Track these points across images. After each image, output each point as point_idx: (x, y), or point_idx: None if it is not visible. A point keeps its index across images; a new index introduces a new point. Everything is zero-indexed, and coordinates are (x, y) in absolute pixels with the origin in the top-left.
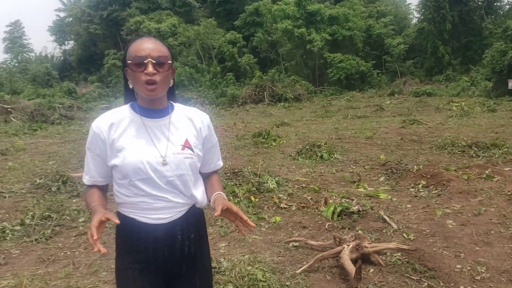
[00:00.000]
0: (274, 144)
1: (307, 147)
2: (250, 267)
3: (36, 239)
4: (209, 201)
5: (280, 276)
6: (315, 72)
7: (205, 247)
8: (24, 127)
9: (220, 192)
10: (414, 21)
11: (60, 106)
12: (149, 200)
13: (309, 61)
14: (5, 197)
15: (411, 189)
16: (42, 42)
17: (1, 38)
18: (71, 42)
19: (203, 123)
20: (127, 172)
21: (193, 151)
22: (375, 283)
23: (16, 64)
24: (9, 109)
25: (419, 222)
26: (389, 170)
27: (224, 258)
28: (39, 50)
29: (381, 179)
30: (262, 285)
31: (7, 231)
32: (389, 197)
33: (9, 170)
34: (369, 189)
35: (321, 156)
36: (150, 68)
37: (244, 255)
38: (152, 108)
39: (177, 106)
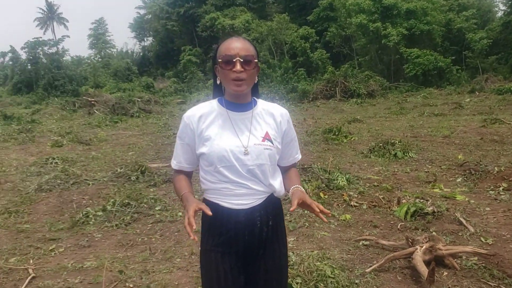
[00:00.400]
0: (345, 140)
1: (380, 144)
2: (318, 263)
3: (116, 225)
4: (288, 191)
5: (349, 273)
6: (390, 68)
7: (282, 234)
8: (106, 119)
9: (298, 186)
10: (500, 14)
11: (139, 100)
12: (231, 186)
13: (384, 56)
14: (89, 184)
15: (491, 192)
16: (123, 39)
17: (87, 34)
18: (150, 38)
19: (283, 118)
20: (213, 159)
21: (272, 143)
22: (449, 286)
23: (100, 59)
24: (92, 102)
25: (499, 226)
26: (467, 171)
27: (292, 252)
28: (120, 46)
29: (458, 180)
30: (331, 281)
31: (91, 216)
32: (467, 199)
33: (93, 159)
34: (445, 190)
35: (395, 155)
36: (238, 66)
37: (312, 251)
38: (237, 103)
39: (260, 102)
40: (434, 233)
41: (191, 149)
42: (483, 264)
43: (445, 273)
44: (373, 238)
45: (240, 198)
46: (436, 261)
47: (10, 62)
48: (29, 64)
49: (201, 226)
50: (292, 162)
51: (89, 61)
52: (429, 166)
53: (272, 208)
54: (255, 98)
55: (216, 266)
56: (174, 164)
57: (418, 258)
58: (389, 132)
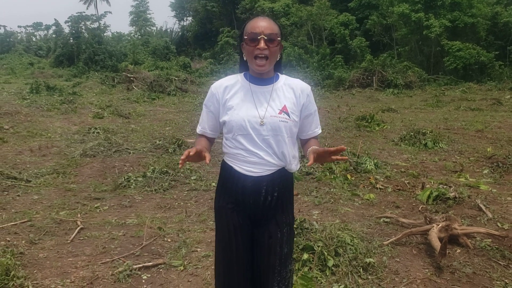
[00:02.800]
0: (377, 128)
1: (411, 133)
2: (339, 232)
3: (155, 190)
4: (307, 156)
5: (367, 244)
6: (430, 60)
7: (287, 206)
8: (144, 95)
9: (314, 146)
10: None
11: (176, 79)
12: (245, 154)
13: (424, 47)
14: (129, 153)
15: None
16: (163, 17)
17: (128, 11)
18: (189, 18)
19: (303, 92)
20: (232, 127)
21: (289, 116)
22: (460, 262)
23: (139, 36)
24: (131, 78)
25: None
26: (495, 164)
27: (316, 222)
28: (160, 25)
29: (485, 171)
30: (350, 248)
31: (132, 181)
32: (490, 189)
33: (132, 132)
34: (470, 179)
35: (425, 144)
36: (262, 44)
37: (334, 221)
38: (260, 77)
39: (282, 77)
40: (452, 214)
41: (215, 116)
42: (496, 246)
43: (458, 251)
44: (393, 216)
45: (251, 165)
46: (451, 240)
47: (54, 35)
48: (71, 38)
49: (217, 185)
50: (312, 136)
51: (129, 38)
52: (458, 157)
53: (280, 181)
54: (278, 74)
55: (227, 221)
56: (198, 129)
57: (433, 234)
58: (423, 123)
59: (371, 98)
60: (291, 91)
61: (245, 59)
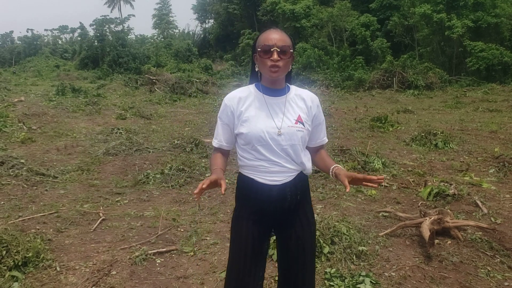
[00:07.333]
0: (391, 129)
1: (422, 134)
2: (337, 223)
3: (172, 185)
4: (328, 172)
5: (363, 235)
6: (452, 61)
7: (308, 206)
8: (165, 97)
9: (337, 165)
10: None
11: (197, 80)
12: (267, 164)
13: (446, 48)
14: (149, 152)
15: None
16: (186, 20)
17: (151, 14)
18: (211, 21)
19: (313, 103)
20: (251, 139)
21: (304, 126)
22: (449, 252)
23: (162, 39)
24: (154, 80)
25: None
26: (501, 164)
27: (317, 214)
28: (182, 27)
29: (491, 171)
30: (345, 238)
31: (150, 177)
32: (492, 187)
33: (153, 132)
34: (475, 178)
35: (436, 145)
36: (275, 55)
37: (334, 212)
38: (273, 88)
39: (293, 87)
40: (448, 210)
41: (229, 129)
42: (486, 238)
43: (449, 242)
44: (392, 210)
45: (274, 175)
46: (443, 232)
47: (79, 38)
48: (96, 41)
49: (235, 196)
50: (320, 144)
51: (152, 40)
52: (466, 157)
53: (301, 184)
54: (289, 84)
55: (246, 231)
56: (215, 142)
57: (425, 226)
58: (438, 124)
59: (391, 99)
60: (303, 101)
61: (256, 69)
